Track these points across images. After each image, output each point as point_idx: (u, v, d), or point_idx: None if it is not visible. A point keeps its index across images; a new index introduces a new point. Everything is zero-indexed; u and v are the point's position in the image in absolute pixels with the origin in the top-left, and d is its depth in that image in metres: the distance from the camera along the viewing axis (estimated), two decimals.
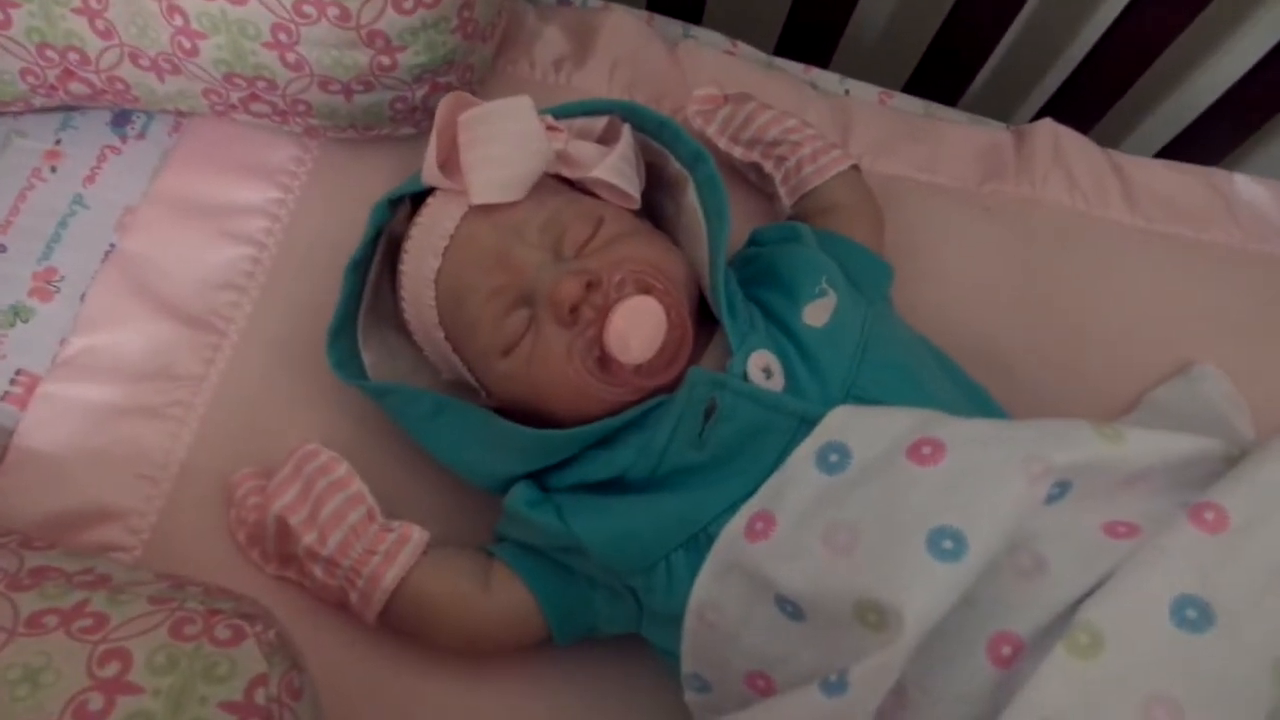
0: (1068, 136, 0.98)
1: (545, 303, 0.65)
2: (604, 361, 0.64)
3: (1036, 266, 0.88)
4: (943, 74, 1.13)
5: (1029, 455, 0.55)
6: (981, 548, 0.52)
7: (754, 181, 0.89)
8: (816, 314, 0.69)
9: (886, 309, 0.76)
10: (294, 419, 0.76)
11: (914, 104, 1.06)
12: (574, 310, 0.64)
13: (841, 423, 0.61)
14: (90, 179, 0.85)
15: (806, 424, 0.63)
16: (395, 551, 0.68)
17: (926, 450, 0.57)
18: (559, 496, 0.68)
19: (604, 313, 0.63)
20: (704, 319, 0.70)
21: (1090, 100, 1.10)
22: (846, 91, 1.05)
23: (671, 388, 0.66)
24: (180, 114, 0.85)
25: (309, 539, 0.68)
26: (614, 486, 0.67)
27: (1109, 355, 0.86)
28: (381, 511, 0.71)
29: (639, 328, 0.63)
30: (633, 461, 0.66)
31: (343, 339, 0.75)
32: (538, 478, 0.70)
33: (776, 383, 0.65)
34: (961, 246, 0.88)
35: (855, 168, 0.85)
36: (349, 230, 0.75)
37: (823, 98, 1.00)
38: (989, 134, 0.99)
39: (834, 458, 0.60)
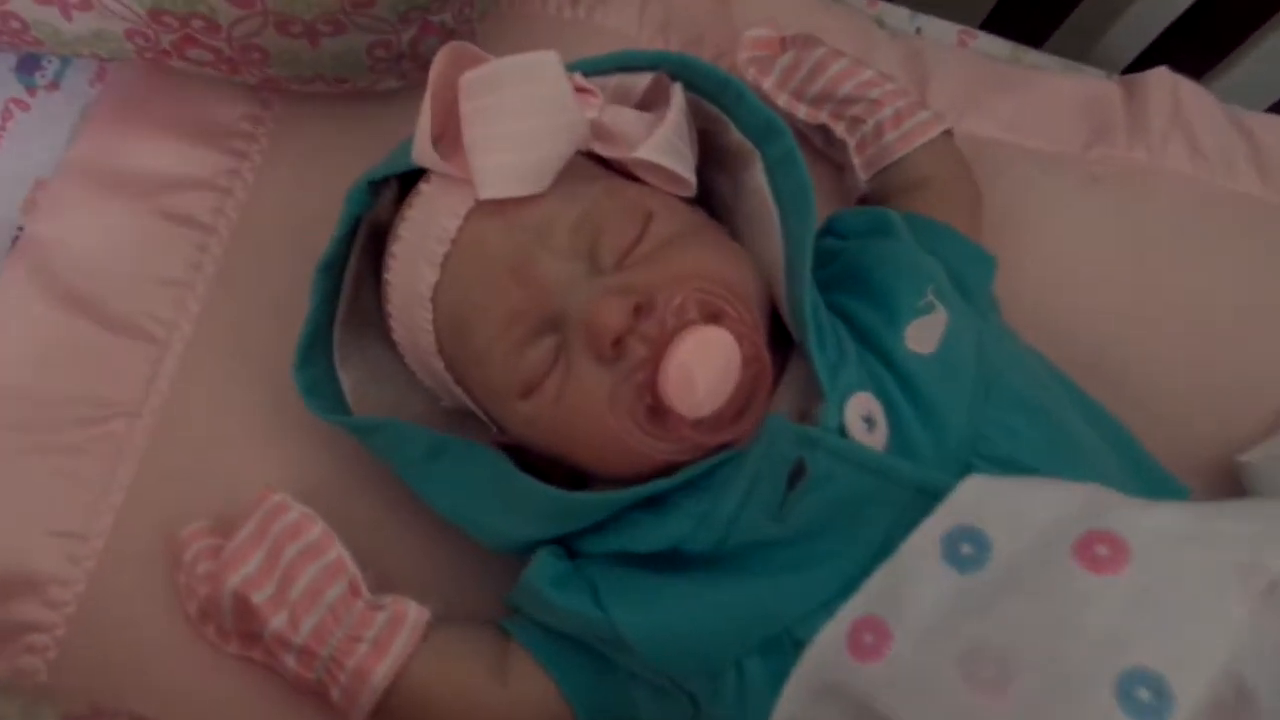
0: (1188, 90, 0.81)
1: (579, 331, 0.50)
2: (657, 411, 0.49)
3: (1153, 250, 0.74)
4: (1029, 7, 0.95)
5: (1247, 563, 0.41)
6: (1191, 702, 0.38)
7: (819, 148, 0.72)
8: (922, 336, 0.54)
9: (999, 321, 0.61)
10: (256, 455, 0.62)
11: (998, 45, 0.89)
12: (618, 343, 0.49)
13: (975, 499, 0.47)
14: None
15: (925, 496, 0.48)
16: (387, 638, 0.54)
17: (1102, 551, 0.43)
18: (593, 569, 0.54)
19: (659, 348, 0.47)
20: (774, 342, 0.55)
21: (1204, 40, 0.92)
22: (918, 30, 0.87)
23: (741, 439, 0.50)
24: (102, 59, 0.67)
25: (277, 622, 0.54)
26: (666, 562, 0.52)
27: (1241, 357, 0.72)
28: (370, 581, 0.57)
29: (706, 370, 0.47)
30: (690, 532, 0.51)
31: (315, 359, 0.59)
32: (566, 539, 0.55)
33: (880, 435, 0.50)
34: (1063, 227, 0.74)
35: (948, 133, 0.68)
36: (321, 209, 0.59)
37: (892, 39, 0.83)
38: (1092, 85, 0.83)
39: (966, 548, 0.46)
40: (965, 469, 0.49)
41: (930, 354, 0.53)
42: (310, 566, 0.55)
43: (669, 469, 0.52)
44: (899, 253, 0.58)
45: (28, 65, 0.70)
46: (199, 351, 0.64)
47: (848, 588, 0.48)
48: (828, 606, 0.48)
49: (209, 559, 0.57)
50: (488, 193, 0.50)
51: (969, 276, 0.60)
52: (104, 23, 0.60)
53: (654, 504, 0.52)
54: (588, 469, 0.54)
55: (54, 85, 0.70)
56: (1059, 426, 0.53)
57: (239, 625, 0.56)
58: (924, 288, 0.55)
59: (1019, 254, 0.69)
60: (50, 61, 0.70)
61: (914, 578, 0.46)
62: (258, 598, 0.54)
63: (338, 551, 0.56)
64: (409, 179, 0.56)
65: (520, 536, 0.55)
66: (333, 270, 0.58)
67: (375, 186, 0.57)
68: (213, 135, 0.68)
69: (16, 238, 0.65)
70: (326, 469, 0.62)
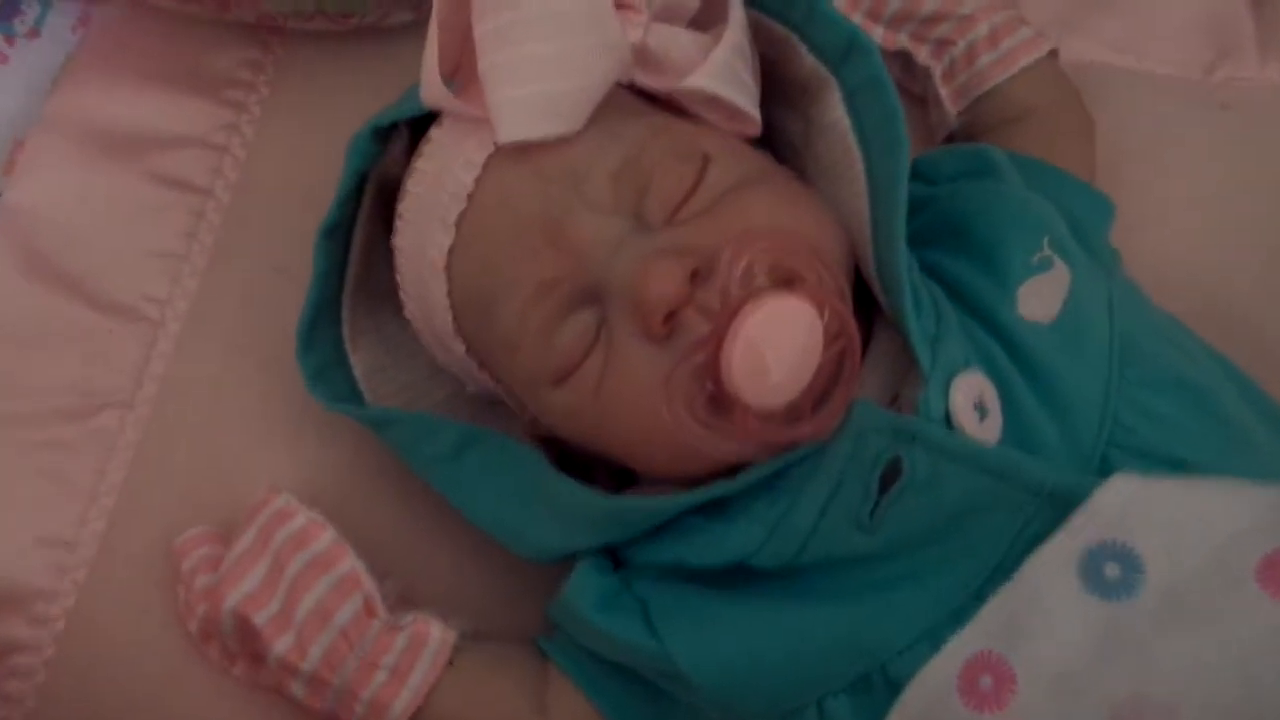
0: None
1: (623, 302, 0.41)
2: (719, 401, 0.40)
3: None
4: None
5: None
6: None
7: (898, 78, 0.61)
8: (1039, 299, 0.45)
9: (1126, 278, 0.51)
10: (261, 450, 0.55)
11: None
12: (670, 317, 0.40)
13: (1122, 507, 0.38)
14: None
15: (1055, 502, 0.39)
16: (407, 664, 0.47)
17: None
18: (644, 585, 0.46)
19: (722, 323, 0.38)
20: (857, 311, 0.46)
21: None
22: None
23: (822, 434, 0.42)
24: (86, 1, 0.59)
25: (281, 646, 0.47)
26: (731, 578, 0.44)
27: None
28: (388, 597, 0.50)
29: (780, 349, 0.38)
30: (760, 544, 0.43)
31: (321, 340, 0.51)
32: (612, 546, 0.47)
33: (993, 425, 0.41)
34: (1187, 163, 0.64)
35: (1053, 54, 0.58)
36: (330, 165, 0.51)
37: None
38: None
39: (1112, 570, 0.37)
40: (1103, 466, 0.40)
41: (1050, 321, 0.44)
42: (319, 581, 0.48)
43: (734, 467, 0.43)
44: (1005, 197, 0.48)
45: (6, 11, 0.63)
46: (196, 332, 0.57)
47: (957, 616, 0.39)
48: (931, 638, 0.40)
49: (208, 571, 0.50)
50: (509, 134, 0.41)
51: (1087, 225, 0.50)
52: None
53: (716, 509, 0.44)
54: (635, 467, 0.46)
55: (34, 32, 0.63)
56: (1216, 409, 0.43)
57: (243, 646, 0.49)
58: (1039, 239, 0.46)
59: (1135, 198, 0.59)
60: (30, 6, 0.63)
61: (1044, 606, 0.38)
62: (260, 618, 0.47)
63: (350, 563, 0.49)
64: (422, 125, 0.48)
65: (560, 545, 0.47)
66: (338, 235, 0.50)
67: (383, 135, 0.49)
68: (207, 85, 0.60)
69: None
70: (339, 466, 0.54)
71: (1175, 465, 0.40)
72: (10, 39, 0.62)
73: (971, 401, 0.41)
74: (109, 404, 0.55)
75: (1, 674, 0.51)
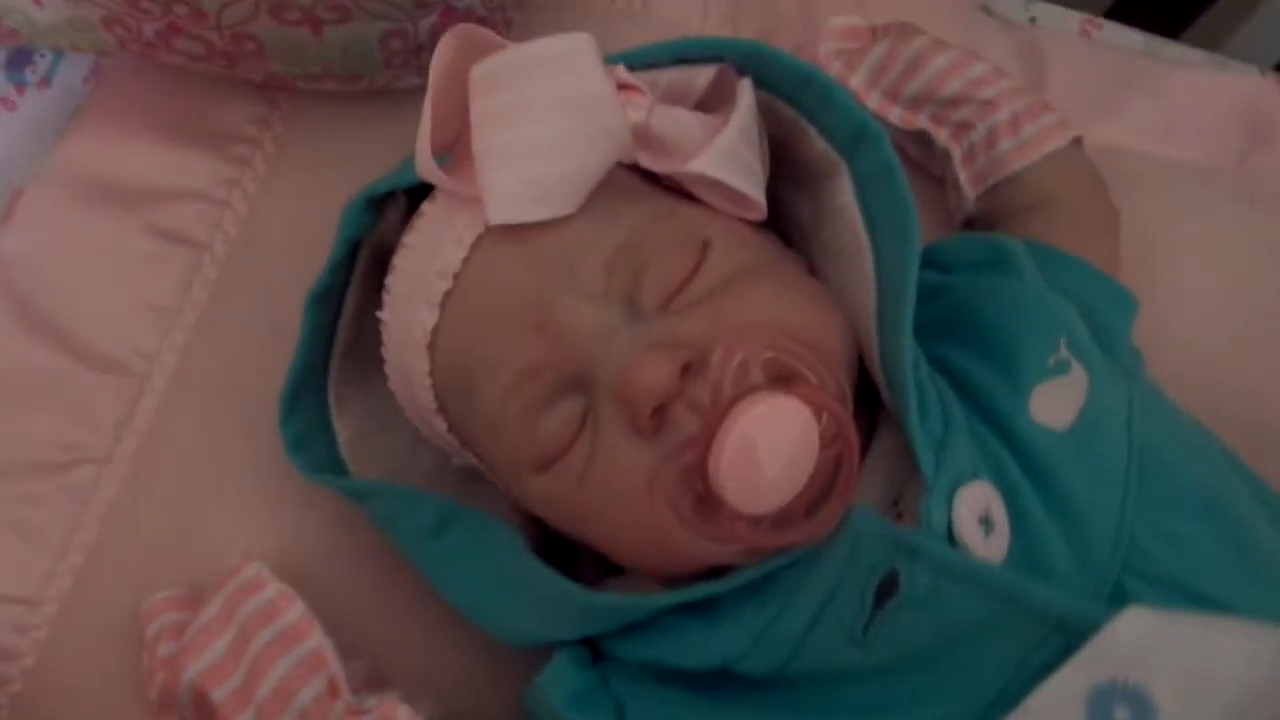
0: None
1: (611, 393, 0.39)
2: (707, 502, 0.38)
3: None
4: None
5: None
6: None
7: (915, 158, 0.60)
8: (1054, 404, 0.42)
9: (1148, 381, 0.48)
10: (237, 514, 0.53)
11: (1129, 37, 0.76)
12: (659, 411, 0.38)
13: (1137, 643, 0.35)
14: None
15: (1063, 632, 0.36)
16: None
17: None
18: (621, 683, 0.43)
19: (713, 421, 0.36)
20: (857, 405, 0.43)
21: None
22: (1032, 19, 0.75)
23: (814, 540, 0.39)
24: (99, 53, 0.59)
25: None
26: (714, 682, 0.41)
27: None
28: (357, 676, 0.48)
29: (773, 452, 0.36)
30: (745, 650, 0.40)
31: (304, 405, 0.50)
32: (592, 638, 0.44)
33: (1000, 541, 0.39)
34: (1214, 256, 0.62)
35: (1077, 141, 0.56)
36: (332, 226, 0.50)
37: (1003, 29, 0.71)
38: (1245, 83, 0.71)
39: (1122, 711, 0.35)
40: (1116, 593, 0.38)
41: (1065, 428, 0.41)
42: (283, 659, 0.46)
43: (721, 567, 0.41)
44: (1022, 292, 0.46)
45: (18, 61, 0.62)
46: (182, 389, 0.55)
47: None
48: None
49: (172, 638, 0.48)
50: (501, 216, 0.39)
51: (1109, 323, 0.48)
52: (77, 10, 0.51)
53: (701, 609, 0.42)
54: (617, 561, 0.43)
55: (45, 82, 0.62)
56: (1240, 534, 0.40)
57: (201, 719, 0.47)
58: (1055, 339, 0.43)
59: (1159, 293, 0.57)
60: (43, 56, 0.63)
61: None
62: (218, 694, 0.45)
63: (317, 640, 0.46)
64: (423, 192, 0.46)
65: (536, 634, 0.45)
66: (327, 301, 0.49)
67: (379, 203, 0.48)
68: (213, 140, 0.59)
69: None
70: (317, 535, 0.53)
71: (1194, 597, 0.37)
72: (21, 88, 0.62)
73: (977, 515, 0.39)
74: (86, 459, 0.53)
75: None
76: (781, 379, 0.38)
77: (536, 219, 0.39)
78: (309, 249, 0.52)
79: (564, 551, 0.48)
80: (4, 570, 0.51)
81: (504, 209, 0.39)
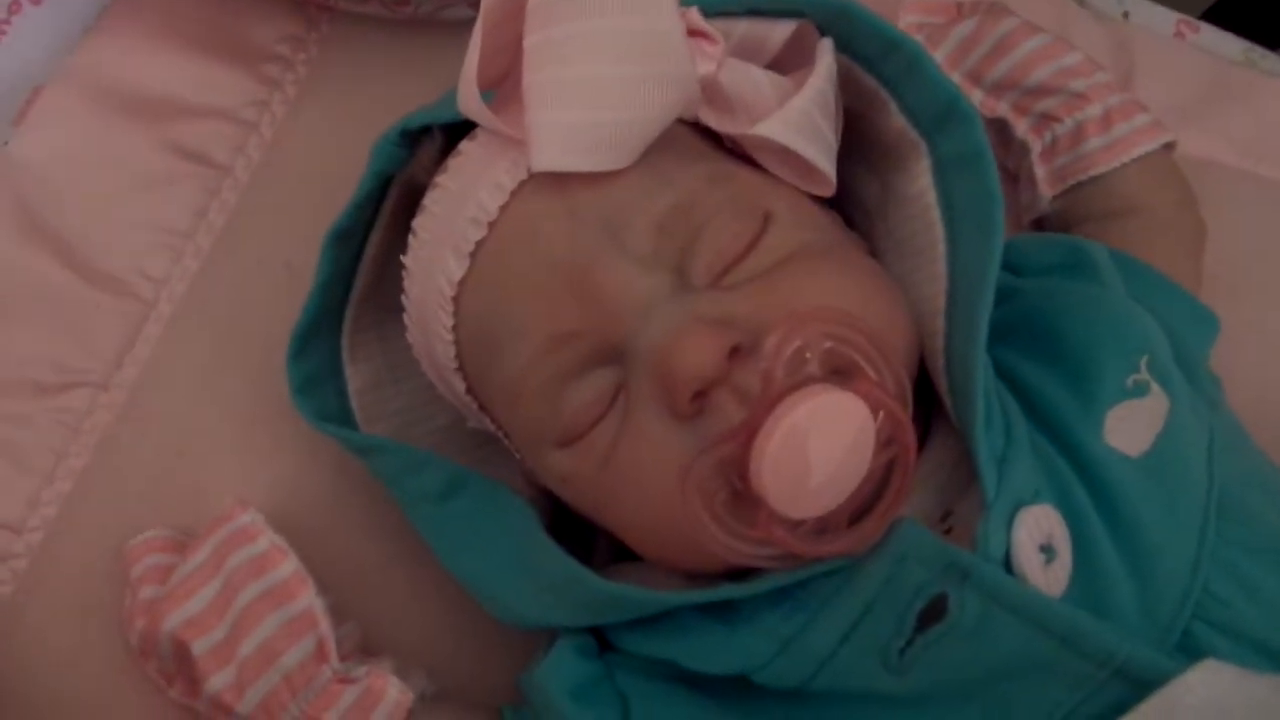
0: None
1: (648, 368, 0.36)
2: (743, 500, 0.34)
3: None
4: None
5: None
6: None
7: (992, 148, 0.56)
8: (1130, 428, 0.39)
9: (1229, 412, 0.44)
10: (235, 456, 0.50)
11: (1228, 43, 0.71)
12: (701, 396, 0.34)
13: (1208, 699, 0.31)
14: None
15: (1124, 679, 0.32)
16: None
17: None
18: (628, 678, 0.40)
19: (759, 412, 0.33)
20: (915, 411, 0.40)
21: None
22: (1125, 14, 0.70)
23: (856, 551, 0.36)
24: None
25: (217, 682, 0.42)
26: (729, 689, 0.38)
27: None
28: (349, 641, 0.45)
29: (824, 451, 0.33)
30: (767, 660, 0.37)
31: (316, 348, 0.47)
32: (598, 630, 0.41)
33: (1060, 573, 0.35)
34: None
35: (1170, 146, 0.51)
36: (361, 160, 0.46)
37: (1095, 21, 0.66)
38: None
39: None
40: (1185, 641, 0.34)
41: (1140, 455, 0.38)
42: (271, 616, 0.43)
43: (748, 569, 0.37)
44: (1104, 304, 0.42)
45: None
46: (189, 319, 0.52)
47: None
48: None
49: (155, 582, 0.45)
50: (544, 162, 0.36)
51: (1190, 345, 0.44)
52: None
53: (722, 610, 0.38)
54: (634, 550, 0.40)
55: None
56: None
57: (180, 670, 0.45)
58: (1137, 359, 0.40)
59: (1243, 318, 0.52)
60: None
61: None
62: (199, 647, 0.42)
63: (309, 600, 0.44)
64: (460, 133, 0.43)
65: (539, 618, 0.42)
66: (350, 239, 0.45)
67: (413, 138, 0.44)
68: (243, 56, 0.56)
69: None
70: (317, 488, 0.50)
71: (1272, 656, 0.34)
72: None
73: (1038, 541, 0.35)
74: (81, 383, 0.51)
75: None
76: (839, 372, 0.34)
77: (585, 169, 0.36)
78: (335, 182, 0.48)
79: (577, 529, 0.45)
80: None
81: (550, 155, 0.35)
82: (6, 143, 0.54)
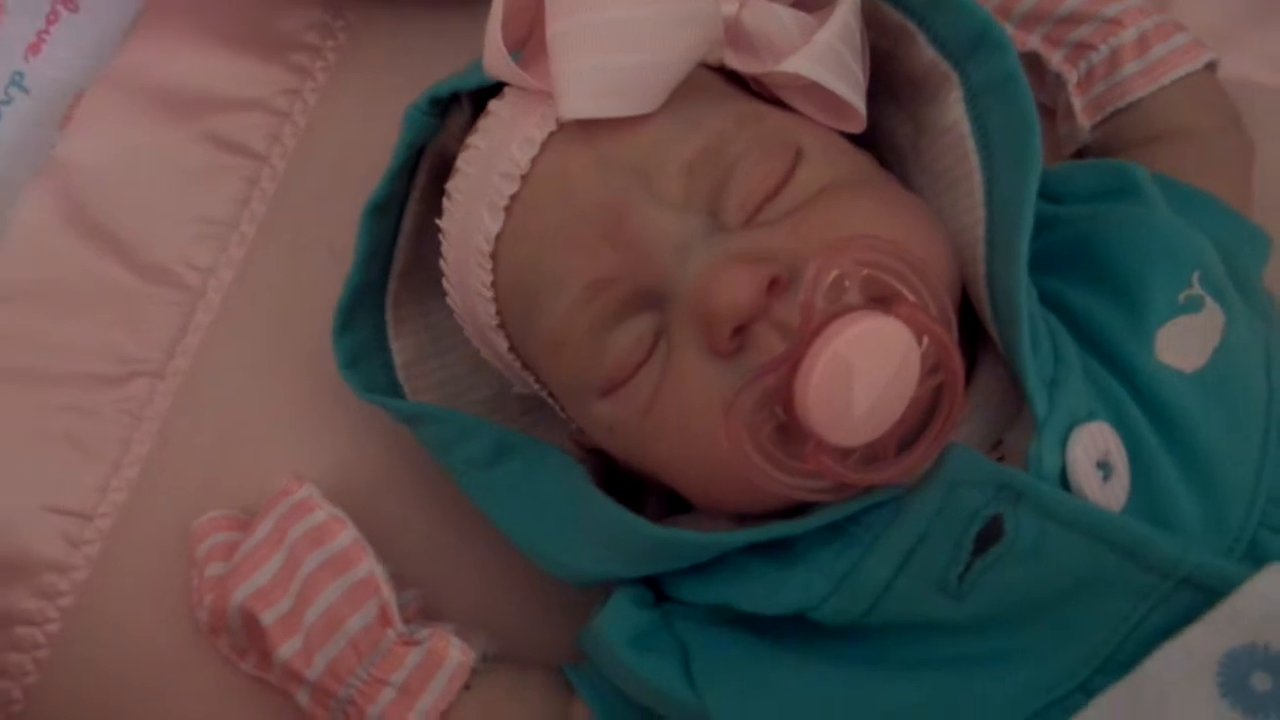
0: None
1: (687, 309, 0.36)
2: (789, 433, 0.34)
3: None
4: None
5: None
6: None
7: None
8: (1183, 344, 0.38)
9: None
10: (290, 435, 0.52)
11: None
12: (740, 331, 0.34)
13: (1278, 600, 0.30)
14: (35, 48, 0.58)
15: (1190, 590, 0.32)
16: (420, 682, 0.43)
17: None
18: (686, 625, 0.40)
19: (801, 342, 0.33)
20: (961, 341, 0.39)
21: None
22: None
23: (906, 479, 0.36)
24: None
25: (286, 650, 0.43)
26: (787, 629, 0.38)
27: None
28: (410, 607, 0.46)
29: (868, 378, 0.33)
30: (823, 597, 0.37)
31: (361, 322, 0.47)
32: (655, 577, 0.42)
33: (1118, 490, 0.35)
34: None
35: (1212, 66, 0.50)
36: (393, 139, 0.46)
37: None
38: None
39: (1261, 681, 0.30)
40: (1252, 550, 0.33)
41: (1196, 371, 0.37)
42: (333, 584, 0.44)
43: (800, 506, 0.37)
44: (1150, 223, 0.41)
45: None
46: (238, 305, 0.54)
47: (1058, 710, 0.32)
48: None
49: (221, 559, 0.47)
50: (572, 110, 0.36)
51: (1243, 263, 0.43)
52: None
53: (776, 551, 0.38)
54: (685, 495, 0.40)
55: None
56: None
57: (251, 642, 0.46)
58: (1188, 274, 0.39)
59: None
60: None
61: (1169, 713, 0.31)
62: (267, 618, 0.43)
63: (369, 567, 0.45)
64: (483, 100, 0.43)
65: (596, 571, 0.42)
66: (387, 212, 0.46)
67: (443, 107, 0.45)
68: (273, 47, 0.57)
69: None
70: (371, 461, 0.51)
71: None
72: None
73: (1094, 459, 0.35)
74: (140, 372, 0.52)
75: (3, 644, 0.49)
76: (880, 299, 0.34)
77: (613, 114, 0.36)
78: (370, 164, 0.49)
79: (628, 492, 0.45)
80: (57, 482, 0.50)
81: (577, 101, 0.36)
82: (54, 146, 0.55)
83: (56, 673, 0.49)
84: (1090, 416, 0.35)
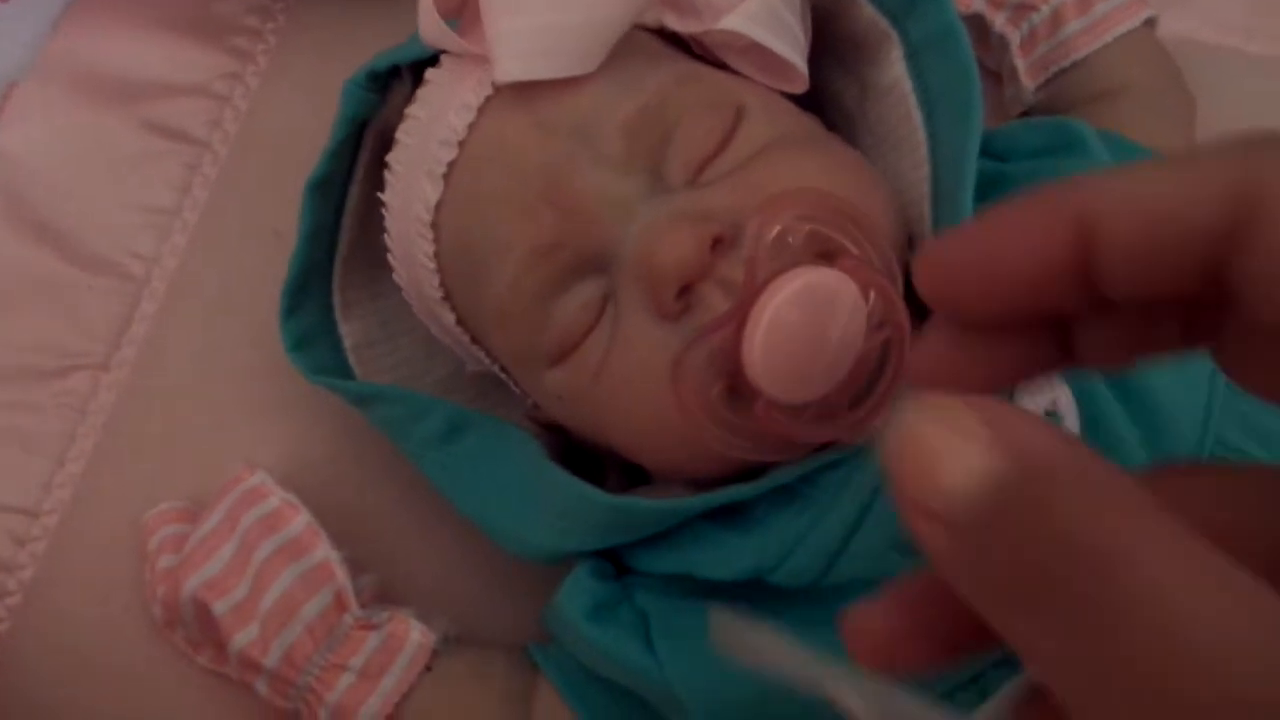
0: None
1: (632, 272, 0.35)
2: (737, 392, 0.34)
3: None
4: None
5: None
6: None
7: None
8: None
9: None
10: (241, 423, 0.50)
11: None
12: (686, 291, 0.34)
13: None
14: None
15: None
16: (379, 666, 0.42)
17: None
18: (646, 595, 0.40)
19: (745, 300, 0.32)
20: (910, 299, 0.39)
21: None
22: None
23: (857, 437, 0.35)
24: None
25: (241, 639, 0.42)
26: (746, 594, 0.38)
27: None
28: (367, 591, 0.45)
29: (814, 333, 0.32)
30: (779, 560, 0.37)
31: (308, 305, 0.47)
32: (614, 550, 0.41)
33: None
34: None
35: (1150, 24, 0.50)
36: None
37: None
38: None
39: None
40: None
41: None
42: (286, 570, 0.43)
43: (754, 469, 0.37)
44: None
45: None
46: (182, 294, 0.52)
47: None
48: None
49: (173, 550, 0.46)
50: (508, 73, 0.35)
51: None
52: None
53: (732, 516, 0.38)
54: (640, 462, 0.40)
55: None
56: None
57: (205, 634, 0.45)
58: None
59: None
60: None
61: None
62: (220, 607, 0.42)
63: (324, 552, 0.44)
64: (421, 73, 0.42)
65: (553, 546, 0.41)
66: (330, 189, 0.45)
67: (383, 82, 0.44)
68: (211, 32, 0.56)
69: None
70: (324, 445, 0.50)
71: None
72: None
73: (1041, 409, 0.35)
74: (82, 365, 0.51)
75: None
76: (824, 254, 0.34)
77: (549, 76, 0.35)
78: (314, 147, 0.48)
79: (588, 469, 0.45)
80: (1, 478, 0.49)
81: (512, 64, 0.35)
82: None
83: (6, 673, 0.48)
84: None
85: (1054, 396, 0.35)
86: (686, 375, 0.34)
